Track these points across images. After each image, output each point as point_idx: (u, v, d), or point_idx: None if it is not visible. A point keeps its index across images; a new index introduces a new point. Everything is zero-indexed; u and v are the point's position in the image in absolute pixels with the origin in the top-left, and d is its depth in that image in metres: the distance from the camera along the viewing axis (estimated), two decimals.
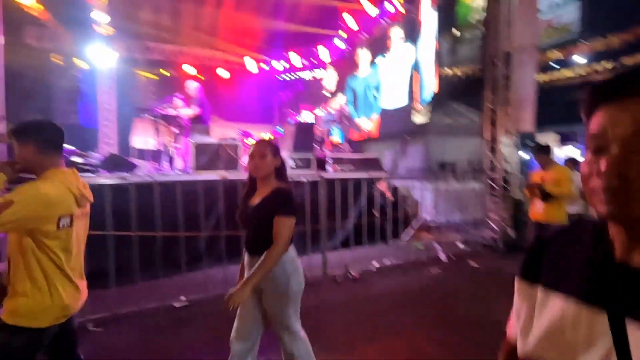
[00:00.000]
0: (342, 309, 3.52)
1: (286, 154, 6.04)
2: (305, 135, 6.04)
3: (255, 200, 1.88)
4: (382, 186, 6.73)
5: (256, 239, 1.86)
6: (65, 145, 4.80)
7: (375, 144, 10.19)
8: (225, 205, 4.27)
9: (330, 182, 4.76)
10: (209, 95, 11.72)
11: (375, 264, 4.76)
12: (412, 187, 8.13)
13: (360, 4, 9.20)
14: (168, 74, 10.92)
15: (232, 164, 5.23)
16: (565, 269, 0.59)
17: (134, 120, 7.24)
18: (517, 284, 0.66)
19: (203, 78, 11.49)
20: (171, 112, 5.94)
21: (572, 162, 5.32)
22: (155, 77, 10.61)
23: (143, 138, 7.03)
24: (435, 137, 8.41)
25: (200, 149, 5.04)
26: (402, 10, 7.92)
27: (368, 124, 9.75)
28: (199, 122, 5.95)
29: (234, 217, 2.01)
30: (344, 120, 8.87)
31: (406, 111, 8.30)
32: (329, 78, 11.53)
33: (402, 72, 8.21)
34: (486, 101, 6.01)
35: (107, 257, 3.52)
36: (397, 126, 8.51)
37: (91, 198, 1.64)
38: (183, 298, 3.64)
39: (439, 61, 8.29)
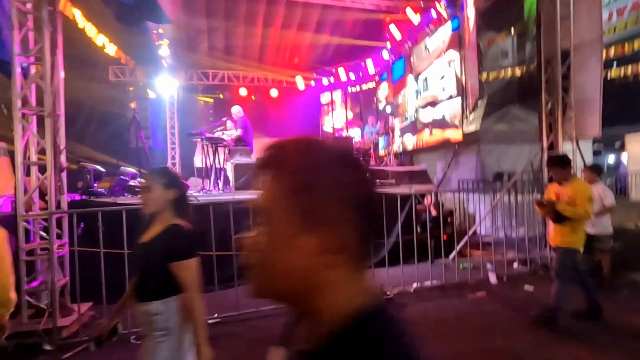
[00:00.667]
0: None
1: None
2: None
3: (146, 238, 1.63)
4: (427, 200, 6.40)
5: (143, 283, 1.62)
6: (129, 169, 5.30)
7: (427, 154, 9.75)
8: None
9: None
10: (260, 115, 12.36)
11: (415, 285, 4.50)
12: (466, 200, 7.60)
13: (405, 13, 9.01)
14: (221, 97, 11.74)
15: None
16: (292, 342, 0.55)
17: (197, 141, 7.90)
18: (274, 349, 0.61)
19: (254, 98, 12.15)
20: (217, 134, 6.36)
21: (592, 171, 4.31)
22: (211, 101, 11.46)
23: (201, 158, 7.62)
24: (490, 145, 7.78)
25: (239, 169, 5.30)
26: (445, 14, 7.57)
27: (411, 140, 9.37)
28: (242, 144, 6.27)
29: None
30: (390, 132, 8.67)
31: (456, 119, 7.84)
32: (381, 90, 11.40)
33: (449, 79, 7.80)
34: (542, 104, 5.43)
35: None
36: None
37: None
38: (215, 315, 3.81)
39: (497, 62, 7.74)
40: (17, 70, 3.41)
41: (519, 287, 4.42)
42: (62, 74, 3.77)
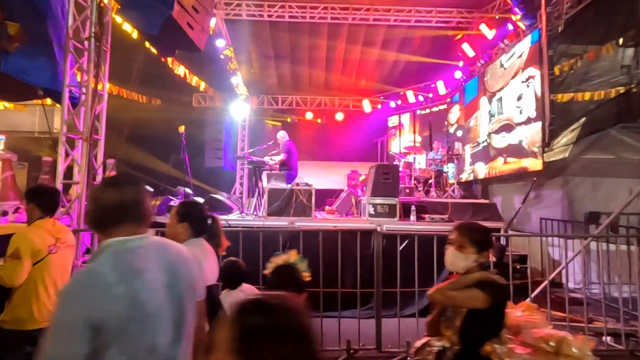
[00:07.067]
0: None
1: (365, 198, 5.58)
2: (386, 178, 5.45)
3: None
4: None
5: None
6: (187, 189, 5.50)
7: (501, 185, 8.48)
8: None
9: (410, 236, 4.03)
10: (325, 138, 12.30)
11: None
12: (550, 244, 6.29)
13: (479, 29, 8.16)
14: (289, 121, 12.08)
15: (303, 210, 5.12)
16: None
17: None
18: None
19: (320, 122, 12.22)
20: (266, 158, 6.37)
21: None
22: (279, 124, 11.85)
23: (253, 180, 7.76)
24: (582, 177, 6.37)
25: (273, 194, 5.15)
26: (523, 26, 6.56)
27: (483, 168, 8.25)
28: (286, 168, 6.17)
29: None
30: (454, 159, 7.77)
31: (535, 145, 6.62)
32: (452, 113, 10.48)
33: (528, 100, 6.68)
34: None
35: None
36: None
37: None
38: None
39: (594, 78, 6.43)
40: (66, 98, 3.79)
41: None
42: (105, 102, 4.08)
